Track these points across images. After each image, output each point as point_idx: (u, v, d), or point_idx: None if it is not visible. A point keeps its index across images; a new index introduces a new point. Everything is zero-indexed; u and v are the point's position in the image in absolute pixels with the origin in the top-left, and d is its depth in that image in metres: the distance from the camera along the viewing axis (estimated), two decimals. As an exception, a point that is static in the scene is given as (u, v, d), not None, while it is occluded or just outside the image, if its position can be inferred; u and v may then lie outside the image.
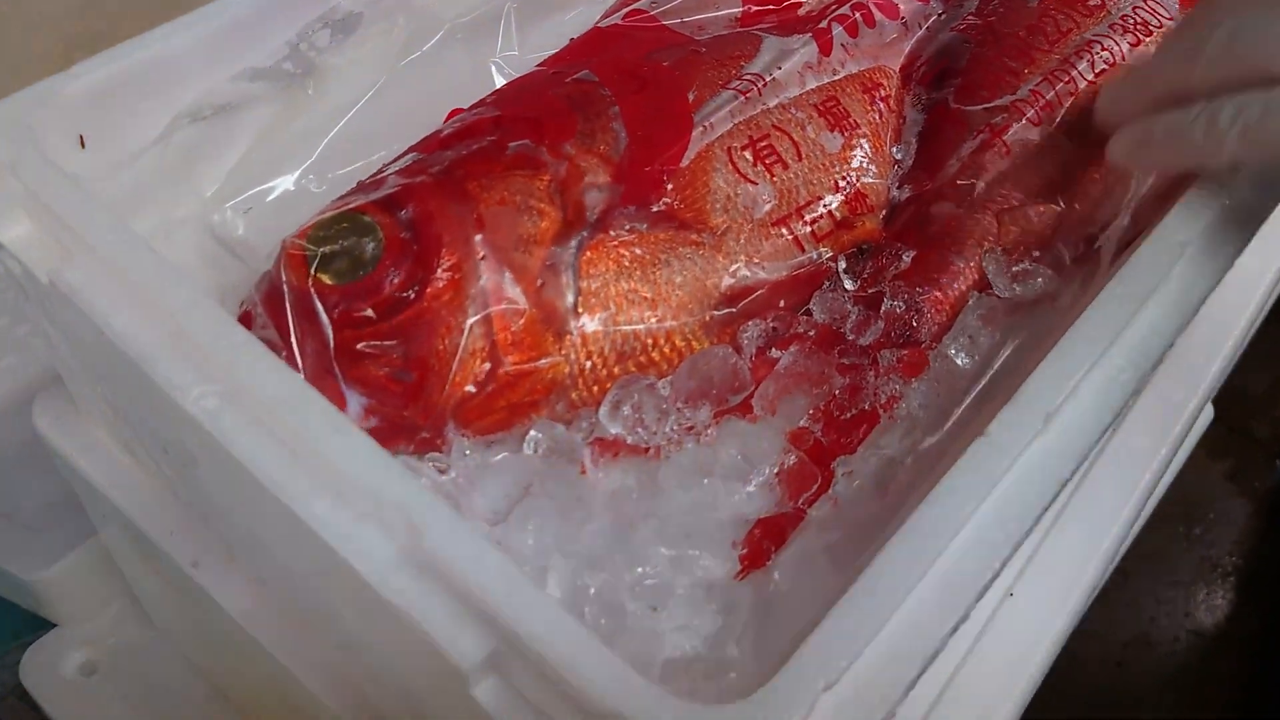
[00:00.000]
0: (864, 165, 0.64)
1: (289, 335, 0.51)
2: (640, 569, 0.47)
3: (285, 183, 0.59)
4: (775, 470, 0.51)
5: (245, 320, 0.51)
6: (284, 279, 0.52)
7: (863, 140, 0.64)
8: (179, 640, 0.80)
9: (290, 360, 0.51)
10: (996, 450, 0.44)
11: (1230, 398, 1.21)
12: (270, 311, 0.51)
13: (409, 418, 0.51)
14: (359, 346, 0.51)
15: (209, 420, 0.44)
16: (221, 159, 0.59)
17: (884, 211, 0.64)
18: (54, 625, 0.89)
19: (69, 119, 0.55)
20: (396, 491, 0.41)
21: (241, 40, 0.58)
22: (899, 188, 0.65)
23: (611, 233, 0.55)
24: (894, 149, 0.66)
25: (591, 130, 0.57)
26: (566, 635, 0.36)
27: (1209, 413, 1.03)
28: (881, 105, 0.67)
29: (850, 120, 0.64)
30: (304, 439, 0.42)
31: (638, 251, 0.55)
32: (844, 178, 0.62)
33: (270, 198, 0.59)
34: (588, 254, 0.54)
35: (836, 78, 0.65)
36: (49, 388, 0.68)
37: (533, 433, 0.51)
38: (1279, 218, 0.54)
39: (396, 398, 0.51)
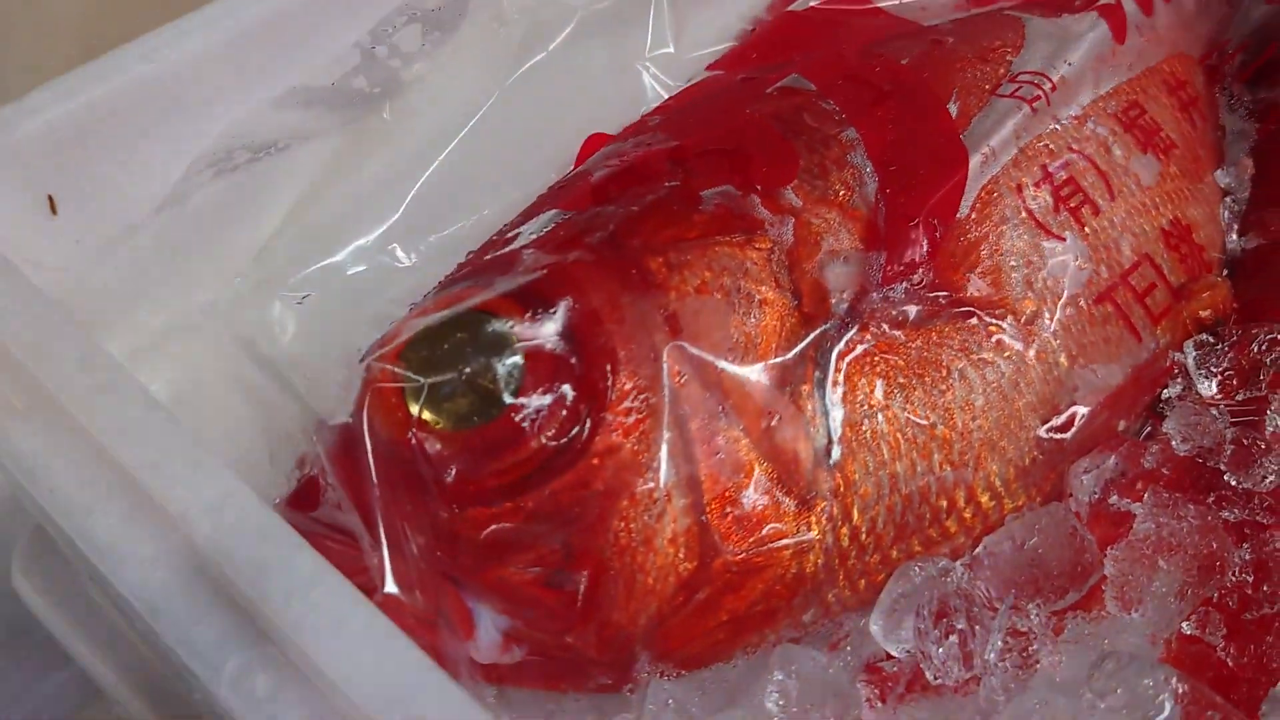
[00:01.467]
0: (1190, 202, 0.44)
1: (377, 518, 0.31)
2: None
3: (358, 255, 0.40)
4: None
5: (307, 494, 0.32)
6: (369, 426, 0.32)
7: (1182, 164, 0.44)
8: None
9: (379, 561, 0.31)
10: None
11: None
12: (347, 479, 0.32)
13: (575, 646, 0.32)
14: (492, 532, 0.31)
15: (253, 714, 0.25)
16: (259, 223, 0.39)
17: (1226, 270, 0.44)
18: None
19: (28, 170, 0.36)
20: None
21: (288, 45, 0.39)
22: (1240, 234, 0.44)
23: (872, 329, 0.35)
24: (1221, 173, 0.46)
25: (821, 167, 0.37)
26: None
27: None
28: (1193, 113, 0.46)
29: (1162, 136, 0.44)
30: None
31: (914, 357, 0.35)
32: (1171, 223, 0.42)
33: (336, 279, 0.40)
34: (840, 365, 0.34)
35: (1133, 74, 0.45)
36: (30, 538, 0.49)
37: (776, 674, 0.31)
38: None
39: (554, 615, 0.32)
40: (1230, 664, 0.33)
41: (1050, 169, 0.40)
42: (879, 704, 0.32)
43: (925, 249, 0.37)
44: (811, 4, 0.47)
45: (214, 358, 0.38)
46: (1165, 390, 0.40)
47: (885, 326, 0.35)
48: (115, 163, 0.37)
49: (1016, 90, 0.41)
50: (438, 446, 0.32)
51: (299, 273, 0.39)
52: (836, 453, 0.34)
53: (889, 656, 0.33)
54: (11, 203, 0.35)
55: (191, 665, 0.26)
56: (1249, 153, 0.46)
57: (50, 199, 0.36)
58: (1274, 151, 0.46)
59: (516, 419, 0.32)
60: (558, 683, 0.33)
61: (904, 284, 0.36)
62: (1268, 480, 0.36)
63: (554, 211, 0.37)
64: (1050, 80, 0.42)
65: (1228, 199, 0.45)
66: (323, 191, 0.41)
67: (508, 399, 0.32)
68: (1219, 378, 0.40)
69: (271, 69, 0.39)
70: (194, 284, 0.40)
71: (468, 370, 0.32)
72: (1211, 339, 0.41)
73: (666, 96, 0.45)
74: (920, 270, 0.36)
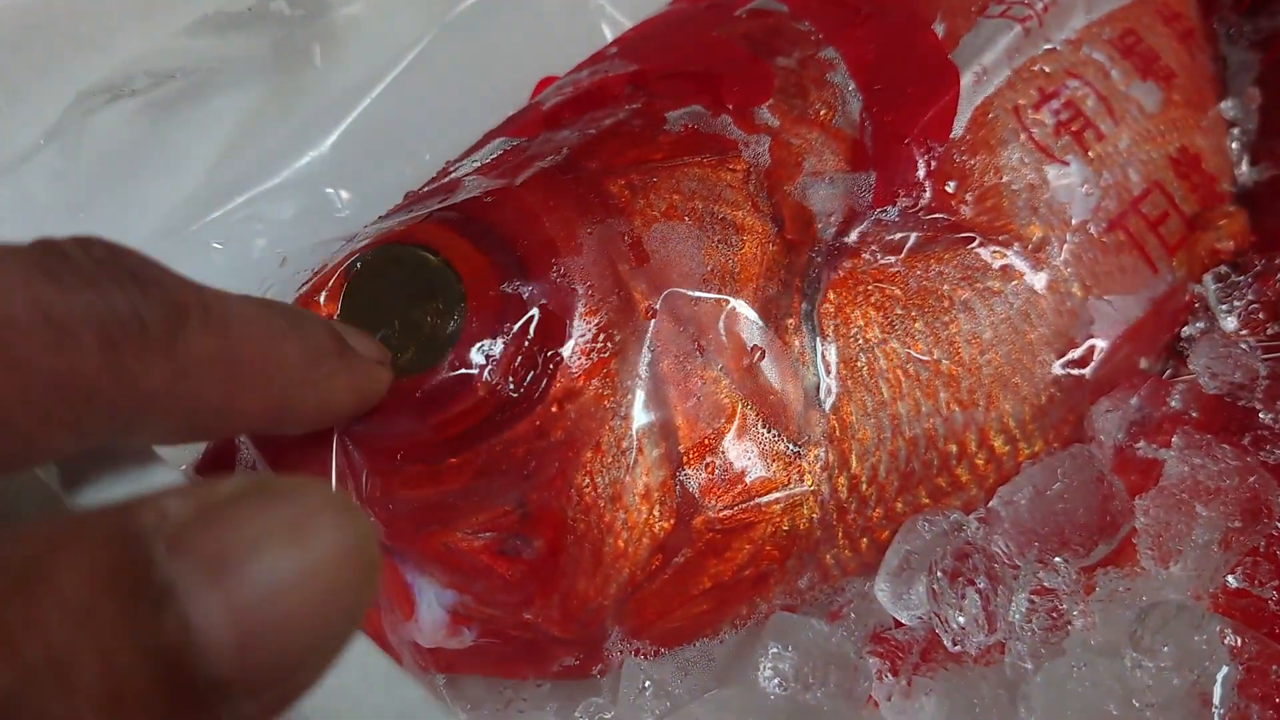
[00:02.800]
0: (1196, 130, 0.40)
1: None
2: None
3: (284, 197, 0.36)
4: (1235, 674, 0.26)
5: (221, 456, 0.27)
6: (288, 374, 0.27)
7: (1185, 93, 0.41)
8: None
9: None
10: None
11: None
12: (263, 437, 0.27)
13: (535, 623, 0.27)
14: (435, 493, 0.27)
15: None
16: (173, 165, 0.35)
17: (1233, 204, 0.40)
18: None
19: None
20: None
21: (198, -32, 0.34)
22: (1252, 164, 0.41)
23: (865, 256, 0.31)
24: (1226, 105, 0.42)
25: (800, 86, 0.33)
26: None
27: None
28: (1191, 44, 0.43)
29: (1161, 64, 0.41)
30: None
31: (913, 286, 0.31)
32: (1178, 150, 0.39)
33: (259, 222, 0.35)
34: (830, 296, 0.30)
35: (1125, 1, 0.42)
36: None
37: (771, 646, 0.27)
38: None
39: (510, 588, 0.27)
40: (1283, 617, 0.29)
41: (1048, 91, 0.37)
42: (890, 677, 0.28)
43: (920, 170, 0.33)
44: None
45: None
46: (1185, 328, 0.36)
47: (878, 253, 0.31)
48: (9, 94, 0.33)
49: (1006, 10, 0.38)
50: (373, 395, 0.27)
51: (214, 213, 0.35)
52: (830, 392, 0.29)
53: (898, 624, 0.29)
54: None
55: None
56: (1254, 82, 0.43)
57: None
58: (1278, 83, 0.42)
59: (461, 362, 0.27)
60: (516, 667, 0.29)
61: (897, 207, 0.32)
62: (1307, 416, 0.32)
63: (501, 140, 0.33)
64: (1043, 1, 0.38)
65: (1234, 130, 0.42)
66: (247, 138, 0.37)
67: (450, 342, 0.27)
68: (1243, 312, 0.36)
69: (179, -3, 0.34)
70: (92, 230, 0.35)
71: (402, 309, 0.28)
72: (1231, 271, 0.37)
73: (625, 34, 0.41)
74: (915, 192, 0.32)
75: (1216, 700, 0.26)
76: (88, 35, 0.33)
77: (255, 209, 0.35)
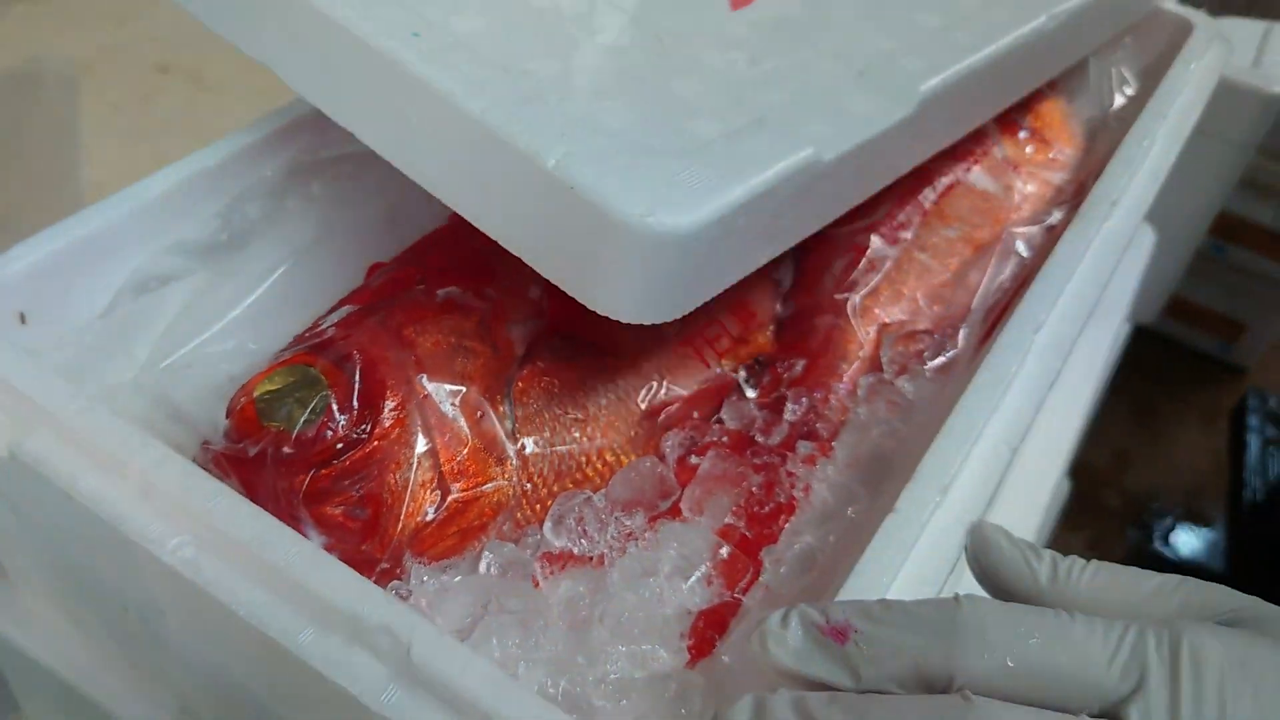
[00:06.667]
0: (750, 288, 0.71)
1: (247, 486, 0.54)
2: (602, 667, 0.51)
3: (221, 343, 0.63)
4: (711, 565, 0.56)
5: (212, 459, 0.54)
6: (238, 432, 0.55)
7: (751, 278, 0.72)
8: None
9: (250, 507, 0.53)
10: (905, 523, 0.50)
11: (1080, 471, 1.32)
12: (225, 465, 0.54)
13: (368, 551, 0.55)
14: (316, 489, 0.54)
15: (188, 569, 0.47)
16: (156, 327, 0.62)
17: (772, 326, 0.71)
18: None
19: (10, 298, 0.57)
20: (380, 613, 0.44)
21: (173, 214, 0.62)
22: (783, 304, 0.72)
23: (539, 363, 0.60)
24: (775, 274, 0.74)
25: (508, 272, 0.63)
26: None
27: (1067, 486, 1.13)
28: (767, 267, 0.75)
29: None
30: (284, 575, 0.45)
31: (565, 378, 0.60)
32: (736, 301, 0.70)
33: (207, 356, 0.62)
34: (519, 384, 0.59)
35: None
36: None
37: (486, 554, 0.55)
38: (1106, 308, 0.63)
39: (354, 534, 0.54)
40: (749, 536, 0.59)
41: (654, 270, 0.67)
42: (548, 566, 0.56)
43: (573, 317, 0.62)
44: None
45: (128, 412, 0.59)
46: (730, 397, 0.67)
47: (547, 361, 0.60)
48: (64, 291, 0.59)
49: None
50: (280, 441, 0.54)
51: (177, 352, 0.61)
52: (518, 432, 0.58)
53: (558, 547, 0.57)
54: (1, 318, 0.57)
55: (147, 549, 0.47)
56: (795, 272, 0.75)
57: (21, 315, 0.58)
58: (804, 256, 0.74)
59: (327, 423, 0.55)
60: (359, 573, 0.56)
61: (559, 337, 0.62)
62: (775, 440, 0.63)
63: (348, 307, 0.61)
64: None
65: (777, 287, 0.73)
66: (198, 305, 0.64)
67: (321, 412, 0.55)
68: (759, 387, 0.67)
69: (162, 229, 0.62)
70: (113, 368, 0.61)
71: (297, 395, 0.55)
72: (758, 365, 0.68)
73: (422, 237, 0.71)
74: (570, 329, 0.62)
75: (695, 570, 0.55)
76: (112, 252, 0.60)
77: (203, 349, 0.62)
